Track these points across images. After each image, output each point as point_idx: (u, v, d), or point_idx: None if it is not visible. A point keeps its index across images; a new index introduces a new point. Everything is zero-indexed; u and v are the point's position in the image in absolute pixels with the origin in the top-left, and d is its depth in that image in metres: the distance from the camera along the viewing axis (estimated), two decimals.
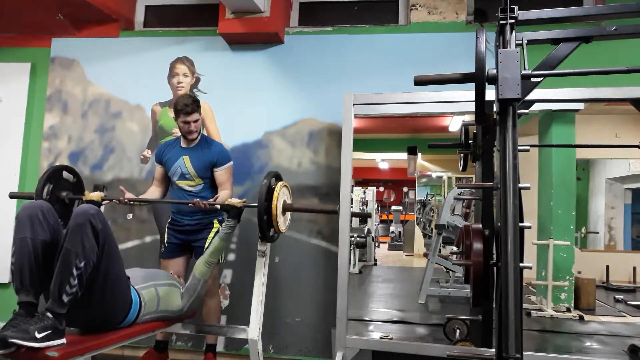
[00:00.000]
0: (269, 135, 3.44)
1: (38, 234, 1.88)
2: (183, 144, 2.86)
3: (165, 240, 2.92)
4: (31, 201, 2.00)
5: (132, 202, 2.71)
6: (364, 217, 5.93)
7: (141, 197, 2.84)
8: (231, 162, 2.87)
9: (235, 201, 2.48)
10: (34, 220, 1.89)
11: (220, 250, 2.51)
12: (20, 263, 1.83)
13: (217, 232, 2.84)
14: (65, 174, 2.73)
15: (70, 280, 1.78)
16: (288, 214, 2.49)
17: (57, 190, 2.66)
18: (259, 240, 2.48)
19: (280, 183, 2.37)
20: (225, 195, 2.77)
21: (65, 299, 1.78)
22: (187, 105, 2.69)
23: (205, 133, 3.47)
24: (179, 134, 3.47)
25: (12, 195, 2.90)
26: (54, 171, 2.67)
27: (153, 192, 2.92)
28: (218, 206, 2.58)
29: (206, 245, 2.77)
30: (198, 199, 2.58)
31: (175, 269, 2.79)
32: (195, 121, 2.75)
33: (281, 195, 2.34)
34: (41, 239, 1.88)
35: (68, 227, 1.84)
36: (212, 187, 2.86)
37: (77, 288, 1.80)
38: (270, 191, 2.32)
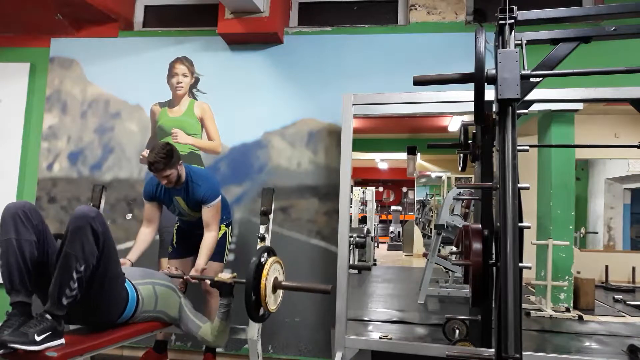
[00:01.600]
0: (269, 135, 3.44)
1: (22, 234, 1.86)
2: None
3: (174, 242, 2.92)
4: (13, 202, 1.97)
5: None
6: (362, 268, 5.83)
7: (134, 247, 2.67)
8: (219, 199, 2.69)
9: (225, 277, 2.36)
10: (16, 220, 1.86)
11: (225, 331, 2.42)
12: (8, 264, 1.83)
13: (224, 234, 2.85)
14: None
15: (70, 283, 1.78)
16: (279, 292, 2.35)
17: None
18: (258, 240, 2.48)
19: (271, 259, 2.24)
20: (210, 239, 2.63)
21: (64, 301, 1.78)
22: (154, 163, 2.45)
23: (204, 133, 3.47)
24: (178, 134, 3.50)
25: None
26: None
27: (145, 236, 2.72)
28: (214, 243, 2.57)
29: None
30: (189, 276, 2.49)
31: (182, 269, 2.79)
32: (167, 177, 2.52)
33: (272, 272, 2.20)
34: (26, 238, 1.87)
35: (67, 230, 1.83)
36: None
37: (77, 291, 1.80)
38: (259, 269, 2.17)
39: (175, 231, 2.95)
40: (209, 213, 2.64)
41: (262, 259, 2.17)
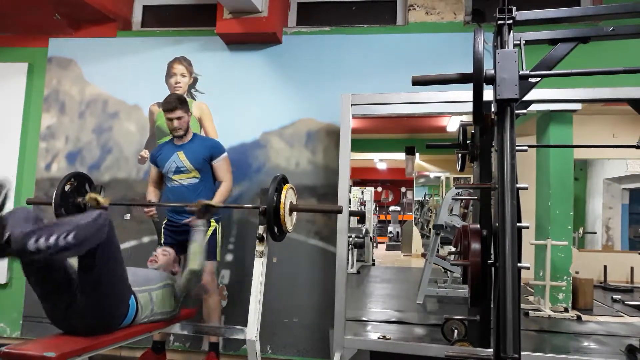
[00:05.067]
0: (267, 136, 3.43)
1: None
2: (177, 142, 2.95)
3: (162, 241, 2.93)
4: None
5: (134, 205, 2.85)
6: (361, 215, 5.95)
7: (149, 196, 3.05)
8: (226, 153, 2.99)
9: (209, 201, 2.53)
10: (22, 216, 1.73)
11: (201, 252, 2.49)
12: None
13: (215, 230, 2.88)
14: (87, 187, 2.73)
15: (51, 236, 1.60)
16: (294, 214, 2.58)
17: (77, 192, 2.66)
18: (257, 240, 2.48)
19: (286, 185, 2.46)
20: (224, 189, 2.91)
21: (31, 246, 1.57)
22: (169, 103, 2.82)
23: (203, 133, 3.47)
24: None
25: (30, 202, 2.87)
26: (79, 174, 2.70)
27: (153, 193, 3.05)
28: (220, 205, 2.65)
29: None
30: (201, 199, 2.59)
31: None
32: (179, 118, 2.84)
33: (288, 196, 2.44)
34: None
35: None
36: (208, 180, 2.93)
37: (44, 249, 1.59)
38: (279, 194, 2.42)
39: (163, 229, 2.96)
40: (222, 167, 2.95)
41: (280, 186, 2.42)
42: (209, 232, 2.84)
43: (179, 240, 2.88)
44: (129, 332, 2.14)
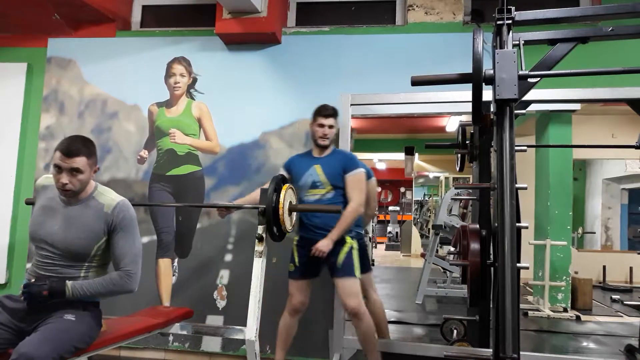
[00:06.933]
0: (266, 136, 3.43)
1: None
2: (315, 154, 2.75)
3: (297, 261, 2.71)
4: None
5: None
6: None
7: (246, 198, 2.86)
8: (362, 170, 2.67)
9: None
10: None
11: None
12: None
13: (351, 248, 2.61)
14: None
15: None
16: (294, 214, 2.57)
17: None
18: (256, 240, 2.48)
19: (285, 185, 2.46)
20: (349, 211, 2.56)
21: None
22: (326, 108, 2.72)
23: (202, 133, 3.47)
24: (176, 134, 3.49)
25: (29, 202, 2.86)
26: None
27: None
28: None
29: (339, 262, 2.58)
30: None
31: (304, 291, 2.71)
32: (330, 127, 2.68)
33: (287, 196, 2.44)
34: None
35: None
36: (345, 197, 2.66)
37: None
38: (277, 193, 2.42)
39: (295, 246, 2.73)
40: (351, 183, 2.61)
41: (279, 186, 2.42)
42: (345, 249, 2.59)
43: (313, 258, 2.60)
44: (127, 332, 2.15)
